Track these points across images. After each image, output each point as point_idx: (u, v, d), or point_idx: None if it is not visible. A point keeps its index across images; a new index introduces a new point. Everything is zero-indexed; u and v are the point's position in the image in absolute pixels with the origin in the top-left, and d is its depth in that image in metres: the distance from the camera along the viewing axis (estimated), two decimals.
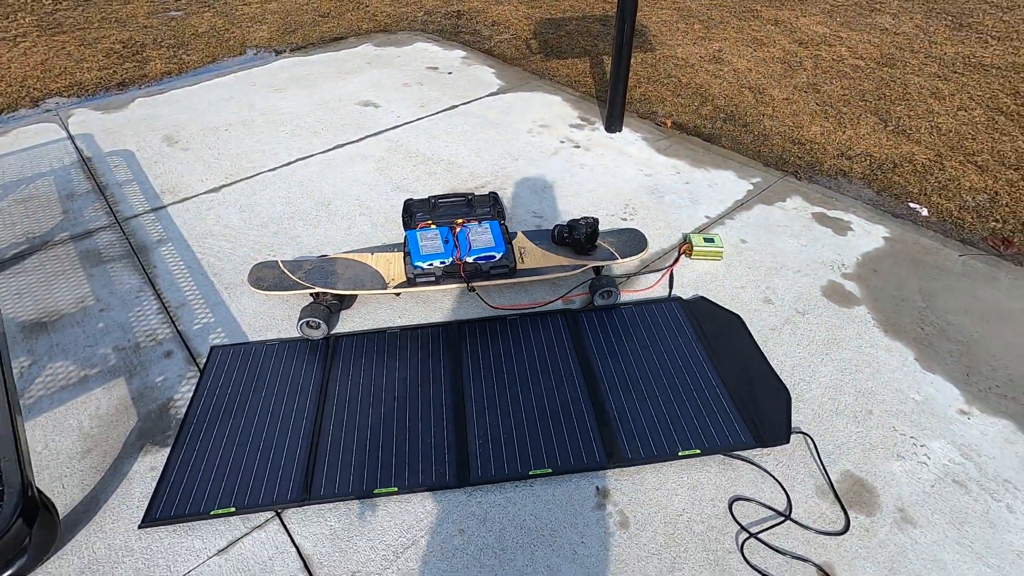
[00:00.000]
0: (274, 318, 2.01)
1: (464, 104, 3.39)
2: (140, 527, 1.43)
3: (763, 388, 1.73)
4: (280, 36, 4.46)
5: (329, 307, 1.93)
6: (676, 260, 2.22)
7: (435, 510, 1.47)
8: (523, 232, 2.18)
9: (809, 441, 1.62)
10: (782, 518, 1.45)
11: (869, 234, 2.38)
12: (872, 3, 4.91)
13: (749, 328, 1.94)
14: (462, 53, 4.10)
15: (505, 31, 4.49)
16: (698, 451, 1.57)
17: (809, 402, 1.72)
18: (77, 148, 3.03)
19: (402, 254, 2.05)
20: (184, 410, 1.71)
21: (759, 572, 1.35)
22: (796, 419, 1.67)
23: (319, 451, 1.58)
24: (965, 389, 1.77)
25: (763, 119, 3.25)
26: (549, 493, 1.51)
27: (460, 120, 3.22)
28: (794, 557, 1.37)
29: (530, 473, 1.52)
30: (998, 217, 2.50)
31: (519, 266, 2.02)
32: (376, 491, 1.48)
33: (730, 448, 1.58)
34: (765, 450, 1.59)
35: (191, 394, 1.76)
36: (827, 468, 1.56)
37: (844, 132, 3.13)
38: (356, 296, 2.08)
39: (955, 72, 3.73)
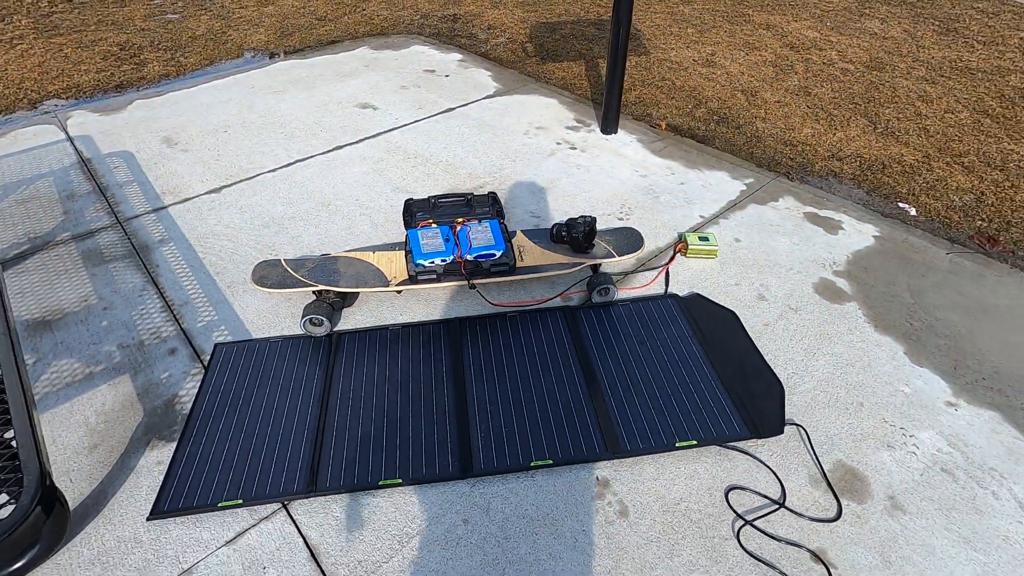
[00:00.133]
0: (277, 316, 2.04)
1: (461, 106, 3.43)
2: (148, 519, 1.45)
3: (757, 381, 1.77)
4: (277, 39, 4.49)
5: (332, 305, 1.96)
6: (672, 258, 2.27)
7: (439, 501, 1.50)
8: (522, 231, 2.22)
9: (802, 432, 1.66)
10: (776, 506, 1.49)
11: (859, 233, 2.44)
12: (861, 8, 5.00)
13: (743, 324, 1.98)
14: (458, 56, 4.14)
15: (501, 35, 4.54)
16: (695, 442, 1.61)
17: (802, 395, 1.77)
18: (76, 149, 3.04)
19: (403, 252, 2.09)
20: (190, 406, 1.74)
21: (754, 557, 1.39)
22: (789, 411, 1.72)
23: (324, 444, 1.61)
24: (953, 382, 1.82)
25: (755, 121, 3.31)
26: (550, 484, 1.54)
27: (457, 122, 3.26)
28: (788, 543, 1.42)
29: (531, 464, 1.56)
30: (984, 216, 2.57)
31: (518, 264, 2.06)
32: (381, 483, 1.52)
33: (726, 439, 1.62)
34: (760, 441, 1.63)
35: (196, 390, 1.78)
36: (820, 458, 1.60)
37: (835, 134, 3.19)
38: (358, 294, 2.11)
39: (942, 76, 3.81)
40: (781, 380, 1.79)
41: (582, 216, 2.08)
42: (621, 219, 2.50)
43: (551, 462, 1.57)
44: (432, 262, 1.97)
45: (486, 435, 1.63)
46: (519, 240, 2.18)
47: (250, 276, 2.19)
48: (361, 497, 1.51)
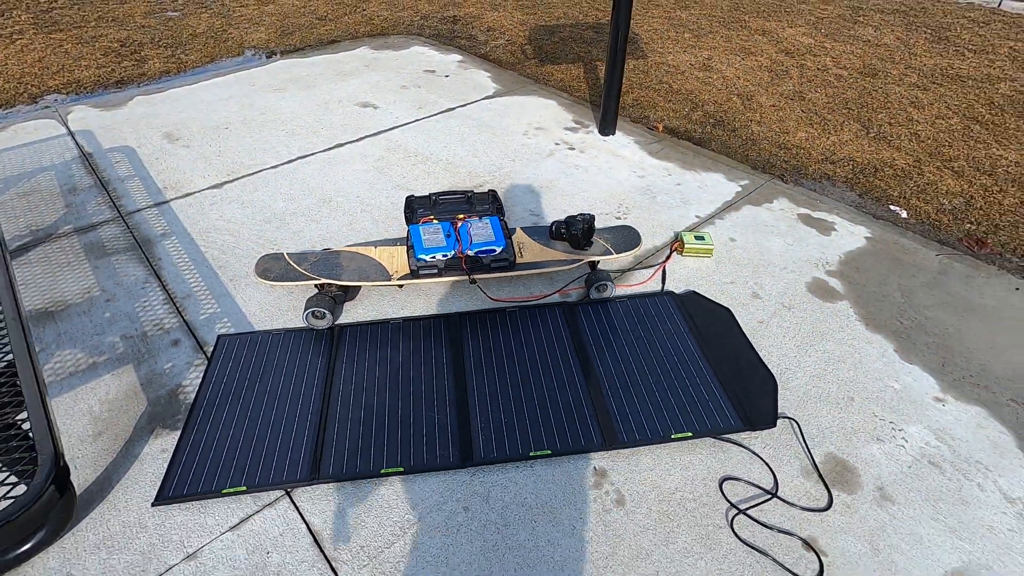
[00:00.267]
0: (279, 309, 2.07)
1: (461, 107, 3.47)
2: (153, 505, 1.47)
3: (751, 376, 1.81)
4: (278, 38, 4.52)
5: (334, 298, 1.99)
6: (668, 256, 2.31)
7: (440, 489, 1.53)
8: (521, 228, 2.26)
9: (795, 425, 1.70)
10: (769, 496, 1.53)
11: (852, 234, 2.49)
12: (855, 16, 5.08)
13: (738, 320, 2.02)
14: (458, 57, 4.18)
15: (500, 36, 4.59)
16: (690, 434, 1.64)
17: (795, 389, 1.81)
18: (77, 144, 3.06)
19: (405, 248, 2.12)
20: (193, 395, 1.76)
21: (748, 545, 1.42)
22: (782, 405, 1.76)
23: (327, 433, 1.63)
24: (941, 378, 1.87)
25: (751, 124, 3.37)
26: (549, 473, 1.57)
27: (457, 122, 3.30)
28: (780, 531, 1.45)
29: (530, 454, 1.59)
30: (973, 219, 2.63)
31: (518, 260, 2.09)
32: (383, 471, 1.54)
33: (720, 431, 1.66)
34: (753, 433, 1.67)
35: (200, 380, 1.80)
36: (811, 450, 1.64)
37: (828, 138, 3.25)
38: (359, 288, 2.14)
39: (934, 83, 3.88)
40: (774, 375, 1.83)
41: (581, 214, 2.12)
42: (619, 218, 2.54)
43: (550, 453, 1.60)
44: (433, 257, 2.01)
45: (486, 426, 1.66)
46: (519, 237, 2.21)
47: (253, 269, 2.21)
48: (363, 485, 1.54)
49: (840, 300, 2.15)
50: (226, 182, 2.76)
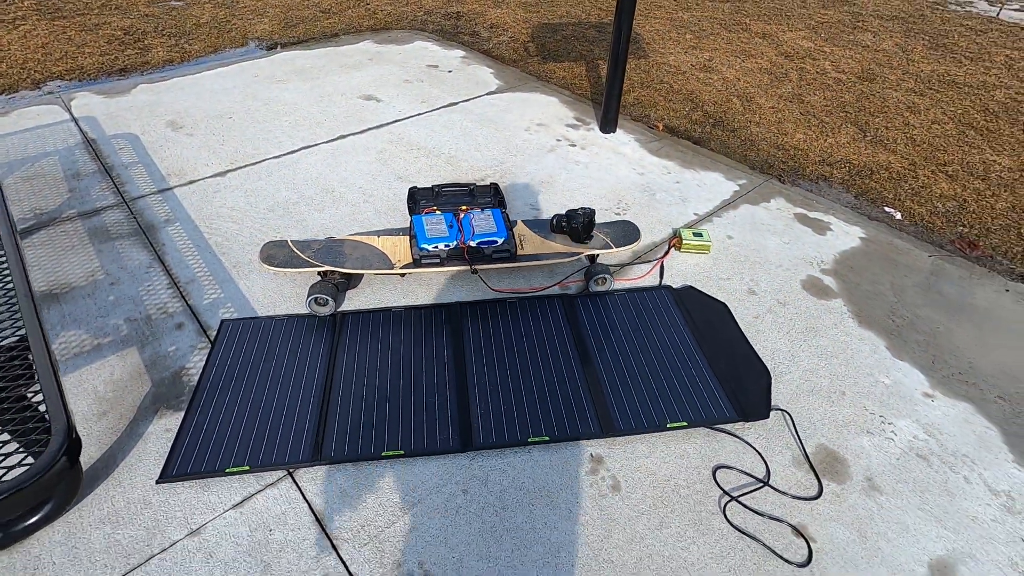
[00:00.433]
0: (281, 296, 2.09)
1: (464, 101, 3.50)
2: (158, 482, 1.50)
3: (746, 369, 1.85)
4: (281, 30, 4.53)
5: (336, 285, 2.01)
6: (666, 252, 2.35)
7: (439, 472, 1.56)
8: (522, 221, 2.29)
9: (787, 417, 1.74)
10: (761, 484, 1.56)
11: (847, 234, 2.54)
12: (855, 21, 5.13)
13: (734, 315, 2.06)
14: (461, 53, 4.21)
15: (503, 33, 4.62)
16: (685, 424, 1.68)
17: (788, 383, 1.85)
18: (81, 130, 3.07)
19: (408, 237, 2.15)
20: (197, 377, 1.79)
21: (739, 531, 1.46)
22: (775, 397, 1.80)
23: (329, 416, 1.66)
24: (930, 375, 1.91)
25: (750, 125, 3.41)
26: (547, 459, 1.61)
27: (460, 116, 3.32)
28: (771, 518, 1.49)
29: (529, 440, 1.62)
30: (965, 222, 2.67)
31: (519, 252, 2.12)
32: (384, 454, 1.57)
33: (715, 421, 1.69)
34: (747, 424, 1.71)
35: (203, 362, 1.83)
36: (803, 441, 1.68)
37: (826, 140, 3.30)
38: (362, 276, 2.16)
39: (930, 88, 3.93)
40: (768, 368, 1.87)
41: (582, 207, 2.15)
42: (618, 214, 2.58)
43: (548, 439, 1.63)
44: (436, 247, 2.04)
45: (485, 412, 1.69)
46: (520, 229, 2.24)
47: (257, 255, 2.24)
48: (364, 467, 1.57)
49: (834, 298, 2.19)
50: (229, 170, 2.78)
